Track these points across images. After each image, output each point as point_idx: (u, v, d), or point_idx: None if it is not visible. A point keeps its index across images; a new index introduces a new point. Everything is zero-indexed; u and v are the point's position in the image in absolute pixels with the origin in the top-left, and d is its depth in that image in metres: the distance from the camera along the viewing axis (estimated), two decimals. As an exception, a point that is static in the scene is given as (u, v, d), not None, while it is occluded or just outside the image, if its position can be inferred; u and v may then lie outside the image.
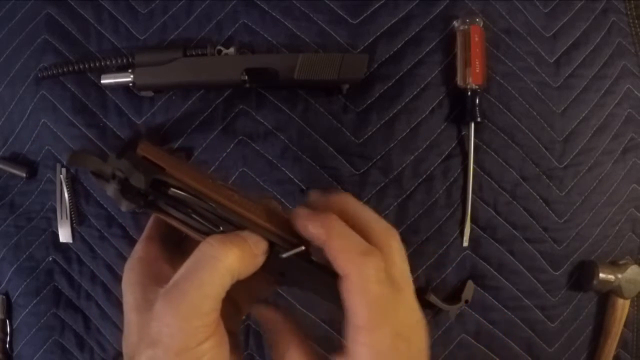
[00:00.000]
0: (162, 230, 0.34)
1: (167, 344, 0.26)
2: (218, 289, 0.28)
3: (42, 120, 0.53)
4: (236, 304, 0.34)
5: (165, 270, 0.31)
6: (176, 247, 0.34)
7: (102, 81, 0.51)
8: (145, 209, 0.30)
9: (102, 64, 0.51)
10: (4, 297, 0.54)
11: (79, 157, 0.29)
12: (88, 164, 0.29)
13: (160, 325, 0.27)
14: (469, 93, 0.51)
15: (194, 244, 0.32)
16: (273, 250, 0.31)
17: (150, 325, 0.27)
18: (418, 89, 0.53)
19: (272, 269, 0.31)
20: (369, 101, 0.52)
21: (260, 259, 0.30)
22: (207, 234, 0.30)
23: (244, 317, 0.44)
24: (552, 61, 0.54)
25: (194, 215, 0.30)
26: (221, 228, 0.30)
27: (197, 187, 0.29)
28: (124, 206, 0.29)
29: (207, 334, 0.27)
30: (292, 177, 0.52)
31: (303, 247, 0.30)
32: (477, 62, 0.51)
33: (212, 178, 0.32)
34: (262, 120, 0.52)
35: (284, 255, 0.30)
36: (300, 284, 0.31)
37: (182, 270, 0.28)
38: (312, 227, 0.29)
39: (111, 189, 0.29)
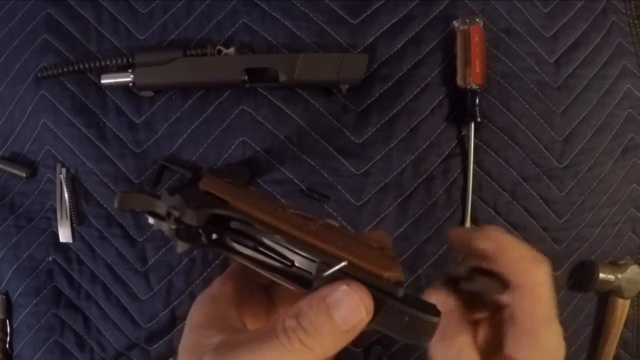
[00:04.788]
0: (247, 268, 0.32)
1: None
2: None
3: (42, 120, 0.53)
4: None
5: (230, 317, 0.30)
6: (261, 290, 0.33)
7: (102, 81, 0.51)
8: (205, 247, 0.27)
9: (102, 64, 0.51)
10: (4, 297, 0.54)
11: (130, 197, 0.26)
12: (141, 205, 0.26)
13: None
14: (469, 93, 0.51)
15: (279, 293, 0.33)
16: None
17: None
18: (418, 89, 0.53)
19: None
20: (369, 101, 0.52)
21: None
22: (279, 271, 0.26)
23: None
24: (552, 61, 0.54)
25: (263, 250, 0.27)
26: (295, 263, 0.26)
27: (262, 217, 0.26)
28: (180, 247, 0.26)
29: None
30: (292, 177, 0.52)
31: (345, 262, 0.25)
32: (477, 62, 0.50)
33: (282, 206, 0.29)
34: (262, 120, 0.52)
35: (326, 274, 0.25)
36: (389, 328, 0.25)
37: (251, 336, 0.26)
38: (481, 243, 0.30)
39: (167, 229, 0.26)
